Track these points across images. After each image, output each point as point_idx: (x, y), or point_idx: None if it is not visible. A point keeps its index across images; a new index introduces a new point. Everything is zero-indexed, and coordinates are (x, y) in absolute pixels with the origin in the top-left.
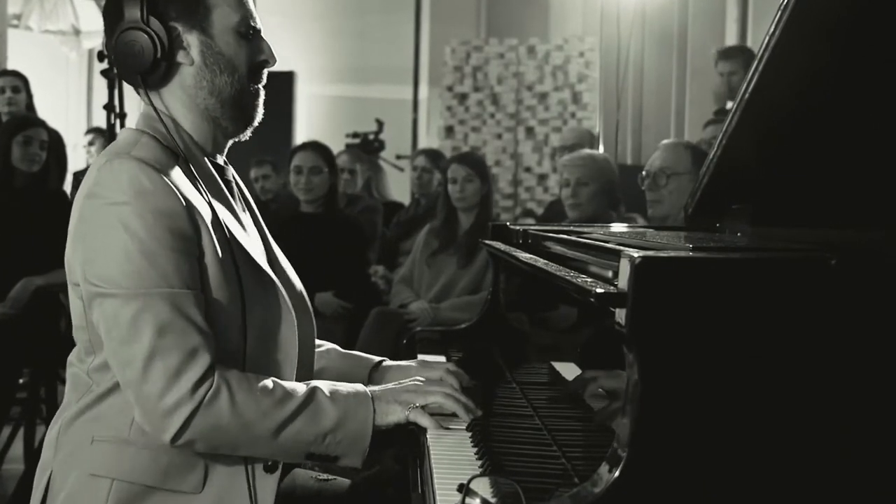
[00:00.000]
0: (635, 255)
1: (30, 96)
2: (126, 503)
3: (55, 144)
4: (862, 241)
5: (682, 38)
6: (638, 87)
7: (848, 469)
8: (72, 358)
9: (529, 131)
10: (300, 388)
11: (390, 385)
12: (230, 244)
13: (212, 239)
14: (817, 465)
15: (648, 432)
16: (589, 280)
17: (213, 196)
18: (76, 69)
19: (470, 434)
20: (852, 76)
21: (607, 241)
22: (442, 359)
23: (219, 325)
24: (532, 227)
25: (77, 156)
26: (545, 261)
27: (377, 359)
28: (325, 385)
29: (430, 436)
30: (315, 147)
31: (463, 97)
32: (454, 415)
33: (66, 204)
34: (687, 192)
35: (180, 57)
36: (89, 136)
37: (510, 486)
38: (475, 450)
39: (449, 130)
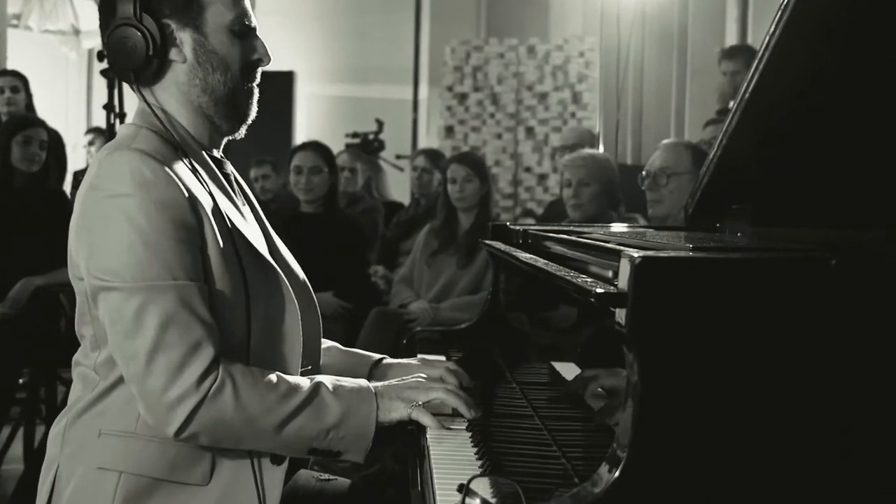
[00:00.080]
0: (635, 255)
1: (29, 96)
2: (134, 496)
3: (55, 144)
4: (862, 241)
5: (682, 38)
6: (638, 87)
7: (848, 469)
8: (77, 357)
9: (529, 131)
10: (304, 382)
11: (393, 381)
12: (232, 234)
13: (213, 229)
14: (817, 465)
15: (648, 432)
16: (589, 280)
17: (213, 187)
18: (76, 69)
19: (470, 434)
20: (852, 76)
21: (607, 241)
22: (442, 359)
23: (222, 317)
24: (532, 227)
25: (77, 156)
26: (545, 261)
27: (377, 356)
28: (328, 380)
29: (431, 435)
30: (315, 147)
31: (463, 97)
32: (455, 414)
33: (65, 204)
34: (687, 192)
35: (173, 54)
36: (89, 136)
37: (510, 486)
38: (475, 450)
39: (449, 130)
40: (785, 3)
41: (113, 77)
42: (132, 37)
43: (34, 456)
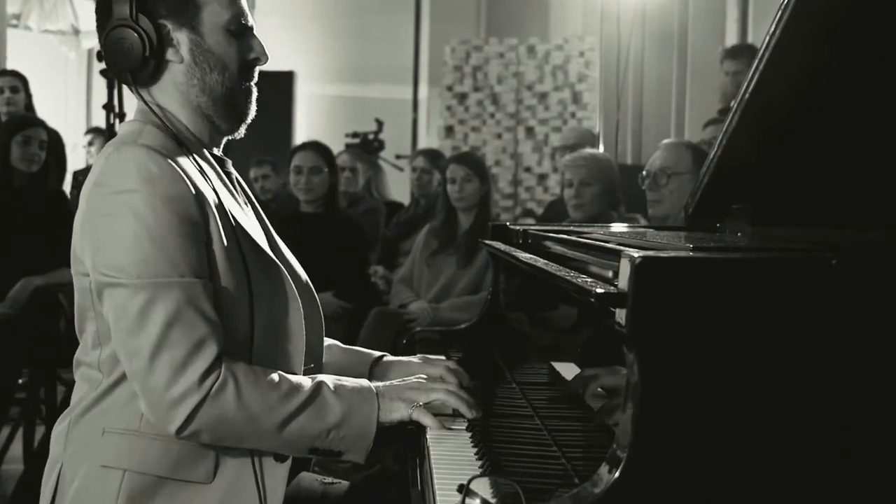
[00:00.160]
0: (635, 255)
1: (29, 96)
2: (138, 494)
3: (54, 144)
4: (862, 241)
5: (683, 38)
6: (638, 87)
7: (848, 469)
8: (78, 355)
9: (529, 131)
10: (306, 382)
11: (394, 382)
12: (235, 231)
13: (218, 225)
14: (818, 465)
15: (648, 433)
16: (589, 280)
17: (217, 184)
18: (75, 69)
19: (470, 434)
20: (852, 76)
21: (607, 241)
22: (442, 358)
23: (226, 314)
24: (532, 227)
25: (76, 156)
26: (545, 261)
27: (378, 354)
28: (330, 380)
29: (431, 436)
30: (315, 147)
31: (463, 97)
32: (456, 414)
33: (65, 204)
34: (687, 192)
35: (170, 55)
36: (88, 136)
37: (510, 486)
38: (475, 450)
39: (449, 130)
40: (785, 2)
41: (112, 77)
42: (129, 38)
43: (34, 456)
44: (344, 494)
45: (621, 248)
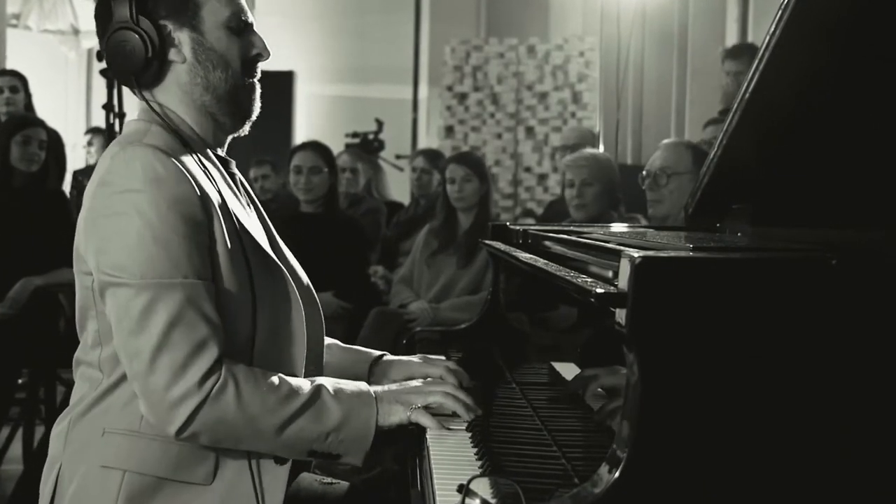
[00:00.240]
0: (635, 255)
1: (28, 96)
2: (138, 495)
3: (54, 144)
4: (862, 241)
5: (683, 38)
6: (638, 87)
7: (848, 469)
8: (78, 355)
9: (529, 131)
10: (305, 385)
11: (393, 386)
12: (239, 233)
13: (222, 227)
14: (818, 465)
15: (648, 433)
16: (589, 280)
17: (221, 185)
18: (75, 69)
19: (470, 434)
20: (852, 76)
21: (607, 241)
22: (442, 358)
23: (228, 315)
24: (532, 227)
25: (76, 155)
26: (545, 261)
27: (378, 353)
28: (329, 383)
29: (430, 436)
30: (315, 147)
31: (463, 97)
32: (455, 413)
33: (65, 204)
34: (687, 192)
35: (172, 55)
36: (88, 136)
37: (510, 486)
38: (475, 450)
39: (449, 130)
40: (785, 2)
41: (112, 77)
42: (130, 40)
43: (33, 456)
44: (343, 495)
45: (621, 248)
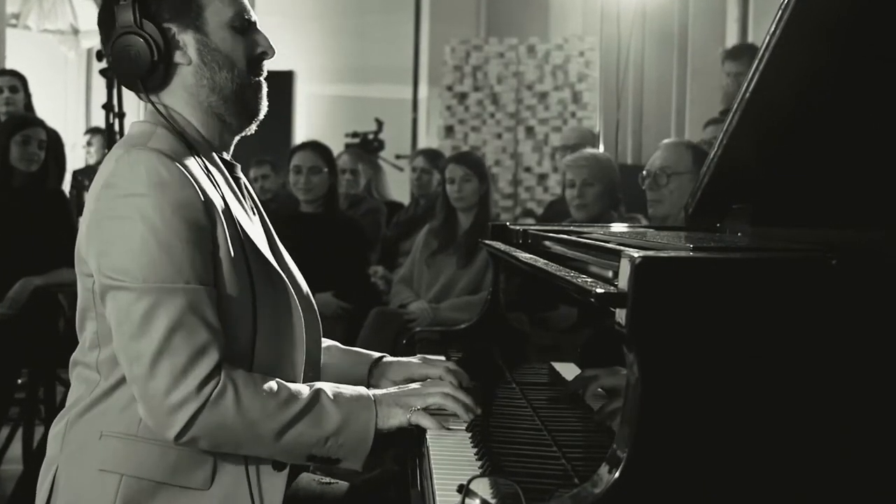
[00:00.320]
0: (635, 255)
1: (28, 96)
2: (135, 499)
3: (54, 144)
4: (862, 241)
5: (683, 38)
6: (638, 87)
7: (848, 469)
8: (75, 356)
9: (529, 131)
10: (304, 390)
11: (392, 389)
12: (241, 240)
13: (225, 233)
14: (818, 465)
15: (648, 433)
16: (589, 280)
17: (225, 190)
18: (75, 69)
19: (470, 434)
20: (852, 76)
21: (607, 241)
22: (442, 358)
23: (229, 321)
24: (532, 227)
25: (76, 155)
26: (545, 261)
27: (377, 355)
28: (328, 387)
29: (430, 436)
30: (314, 147)
31: (463, 97)
32: (455, 414)
33: (64, 204)
34: (687, 192)
35: (178, 57)
36: (88, 136)
37: (510, 486)
38: (475, 450)
39: (449, 130)
40: (785, 2)
41: (112, 77)
42: (135, 44)
43: (33, 456)
44: (343, 495)
45: (621, 248)
